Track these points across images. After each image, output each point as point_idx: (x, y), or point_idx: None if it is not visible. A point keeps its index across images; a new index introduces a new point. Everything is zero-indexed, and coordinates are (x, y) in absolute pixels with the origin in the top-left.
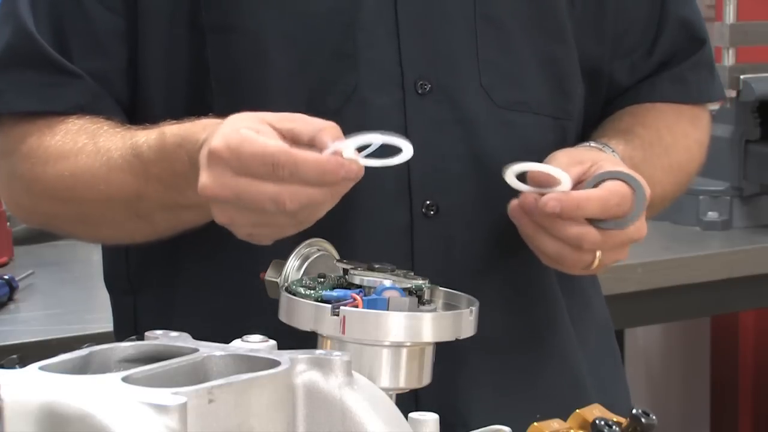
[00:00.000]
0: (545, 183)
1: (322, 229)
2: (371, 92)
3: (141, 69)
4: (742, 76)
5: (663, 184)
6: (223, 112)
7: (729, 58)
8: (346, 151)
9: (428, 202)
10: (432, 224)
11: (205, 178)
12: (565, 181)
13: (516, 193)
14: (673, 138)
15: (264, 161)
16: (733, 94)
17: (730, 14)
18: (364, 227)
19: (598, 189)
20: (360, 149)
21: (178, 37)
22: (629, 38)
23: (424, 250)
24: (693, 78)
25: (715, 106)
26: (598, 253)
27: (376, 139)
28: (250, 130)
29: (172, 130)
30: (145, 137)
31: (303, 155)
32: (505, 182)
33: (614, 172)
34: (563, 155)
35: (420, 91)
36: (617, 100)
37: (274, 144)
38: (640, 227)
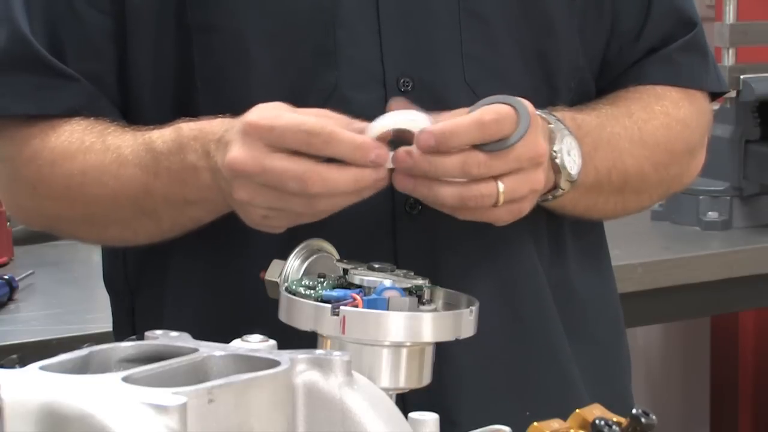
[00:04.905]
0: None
1: (302, 228)
2: (352, 90)
3: (131, 69)
4: (742, 76)
5: (635, 157)
6: (208, 112)
7: (729, 58)
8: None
9: (411, 200)
10: (415, 222)
11: (236, 150)
12: (420, 118)
13: None
14: (648, 115)
15: (299, 129)
16: (733, 94)
17: (730, 14)
18: (346, 226)
19: (471, 113)
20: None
21: (165, 36)
22: (620, 24)
23: (407, 249)
24: (682, 60)
25: (715, 106)
26: (499, 184)
27: (398, 117)
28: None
29: (189, 125)
30: (160, 133)
31: (338, 129)
32: None
33: (490, 99)
34: None
35: (402, 89)
36: (608, 87)
37: (309, 117)
38: (531, 144)
